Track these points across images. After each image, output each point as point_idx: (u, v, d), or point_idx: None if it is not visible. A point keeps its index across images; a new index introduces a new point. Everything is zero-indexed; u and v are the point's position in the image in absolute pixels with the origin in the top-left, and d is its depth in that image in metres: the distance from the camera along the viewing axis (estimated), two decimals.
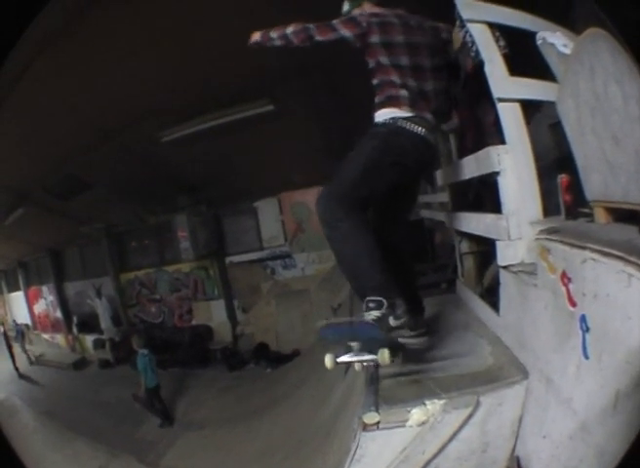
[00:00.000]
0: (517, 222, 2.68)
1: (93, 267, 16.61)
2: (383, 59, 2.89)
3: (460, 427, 2.35)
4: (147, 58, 7.69)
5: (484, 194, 3.91)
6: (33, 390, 13.56)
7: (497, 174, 2.76)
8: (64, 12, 6.32)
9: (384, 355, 2.40)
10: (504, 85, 2.69)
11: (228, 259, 14.56)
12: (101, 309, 15.50)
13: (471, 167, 3.31)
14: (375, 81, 2.96)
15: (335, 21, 2.94)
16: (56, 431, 9.67)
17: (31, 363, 16.67)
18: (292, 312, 13.05)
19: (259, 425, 7.91)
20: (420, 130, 2.82)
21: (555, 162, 3.09)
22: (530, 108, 2.82)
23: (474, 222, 3.42)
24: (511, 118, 2.68)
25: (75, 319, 16.77)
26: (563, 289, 2.05)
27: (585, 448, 1.83)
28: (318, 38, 2.87)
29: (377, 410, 2.32)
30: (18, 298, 20.39)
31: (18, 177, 11.34)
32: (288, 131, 10.27)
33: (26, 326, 19.55)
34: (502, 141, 2.73)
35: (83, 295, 16.72)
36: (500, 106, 2.69)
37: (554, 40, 2.51)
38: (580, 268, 1.89)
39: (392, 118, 2.83)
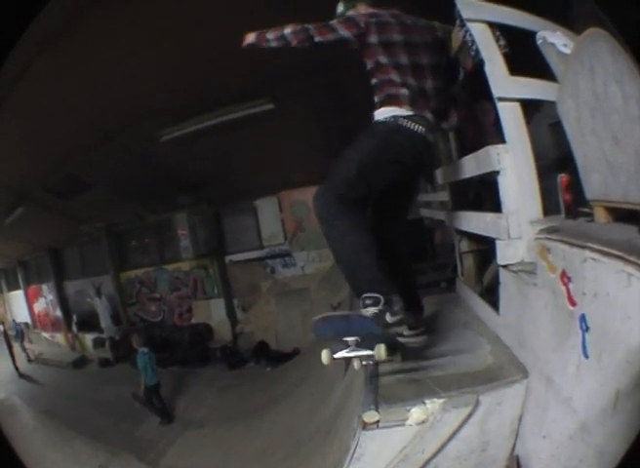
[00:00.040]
0: (517, 222, 2.68)
1: (93, 266, 16.63)
2: (383, 59, 2.90)
3: (460, 426, 2.35)
4: (147, 58, 7.70)
5: (484, 193, 3.91)
6: (33, 389, 13.56)
7: (497, 173, 2.75)
8: (64, 12, 6.33)
9: (381, 350, 2.40)
10: (504, 84, 2.69)
11: (228, 258, 14.55)
12: (101, 308, 15.51)
13: (471, 166, 3.31)
14: (373, 81, 2.96)
15: (333, 22, 2.94)
16: (56, 430, 9.66)
17: (30, 360, 16.68)
18: (291, 311, 13.05)
19: (258, 424, 7.91)
20: (419, 128, 2.83)
21: (555, 161, 3.09)
22: (530, 108, 2.82)
23: (474, 221, 3.42)
24: (511, 117, 2.68)
25: (75, 317, 16.79)
26: (563, 288, 2.05)
27: (585, 448, 1.83)
28: (318, 39, 2.85)
29: (376, 409, 2.32)
30: (17, 297, 20.41)
31: (18, 177, 11.36)
32: (288, 130, 10.27)
33: (26, 324, 19.56)
34: (502, 141, 2.72)
35: (83, 294, 16.73)
36: (500, 106, 2.69)
37: (554, 40, 2.51)
38: (580, 268, 1.89)
39: (393, 116, 2.84)
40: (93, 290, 16.12)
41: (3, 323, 18.97)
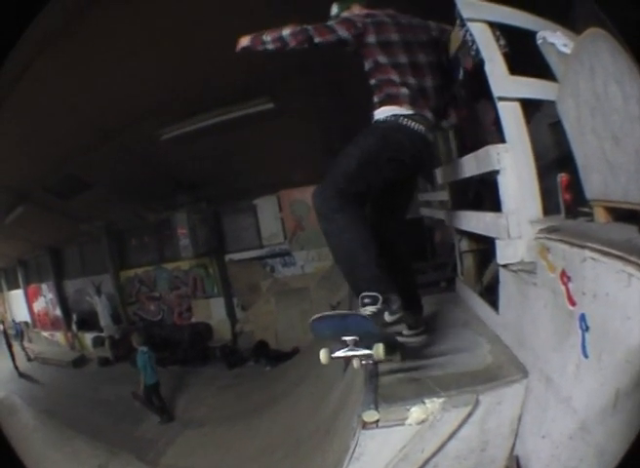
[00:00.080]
0: (517, 221, 2.68)
1: (92, 265, 16.63)
2: (382, 59, 2.91)
3: (460, 426, 2.35)
4: (147, 58, 7.70)
5: (484, 193, 3.91)
6: (33, 388, 13.55)
7: (496, 172, 2.75)
8: (64, 12, 6.33)
9: (379, 350, 2.39)
10: (505, 84, 2.69)
11: (228, 257, 14.58)
12: (101, 307, 15.51)
13: (471, 165, 3.31)
14: (372, 81, 2.97)
15: (331, 23, 2.94)
16: (55, 429, 9.67)
17: (30, 360, 16.67)
18: (291, 310, 13.06)
19: (258, 423, 7.92)
20: (419, 127, 2.85)
21: (555, 161, 3.09)
22: (530, 107, 2.82)
23: (474, 221, 3.42)
24: (511, 117, 2.68)
25: (75, 317, 16.78)
26: (562, 288, 2.06)
27: (585, 448, 1.83)
28: (318, 40, 2.84)
29: (376, 409, 2.32)
30: (17, 296, 20.39)
31: (18, 177, 11.35)
32: (288, 129, 10.28)
33: (26, 324, 19.55)
34: (502, 140, 2.72)
35: (82, 293, 16.73)
36: (500, 105, 2.68)
37: (554, 39, 2.51)
38: (580, 267, 1.89)
39: (393, 115, 2.85)
40: (92, 289, 16.13)
41: (3, 322, 18.93)
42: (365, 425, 2.34)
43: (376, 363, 2.63)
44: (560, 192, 2.51)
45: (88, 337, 15.91)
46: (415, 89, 2.90)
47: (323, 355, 2.47)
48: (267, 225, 14.10)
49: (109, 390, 11.57)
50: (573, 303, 1.98)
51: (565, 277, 2.04)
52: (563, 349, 2.05)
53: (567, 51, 2.38)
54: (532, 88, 2.69)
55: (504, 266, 2.82)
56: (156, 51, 7.50)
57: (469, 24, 2.82)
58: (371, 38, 2.89)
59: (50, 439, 9.20)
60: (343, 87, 8.43)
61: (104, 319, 15.38)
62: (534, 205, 2.67)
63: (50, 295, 18.45)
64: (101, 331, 15.36)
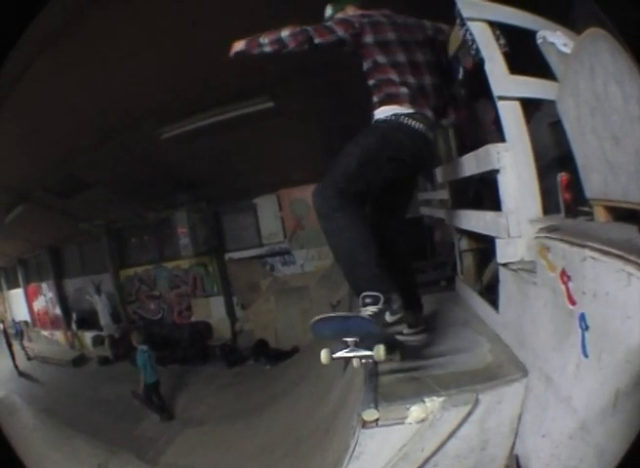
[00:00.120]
0: (517, 220, 2.68)
1: (92, 264, 16.62)
2: (381, 58, 2.91)
3: (460, 425, 2.35)
4: (147, 58, 7.68)
5: (484, 192, 3.92)
6: (33, 388, 13.55)
7: (496, 171, 2.76)
8: (64, 12, 6.31)
9: (380, 351, 2.39)
10: (505, 83, 2.69)
11: (228, 256, 14.57)
12: (101, 306, 15.51)
13: (471, 164, 3.31)
14: (371, 81, 2.98)
15: (329, 23, 2.94)
16: (55, 428, 9.66)
17: (29, 358, 16.67)
18: (291, 309, 13.06)
19: (258, 422, 7.93)
20: (419, 126, 2.85)
21: (555, 160, 3.09)
22: (530, 107, 2.82)
23: (474, 220, 3.43)
24: (511, 116, 2.68)
25: (74, 316, 16.78)
26: (562, 287, 2.06)
27: (585, 448, 1.83)
28: (318, 40, 2.83)
29: (376, 408, 2.33)
30: (17, 295, 20.39)
31: (18, 177, 11.35)
32: (288, 128, 10.28)
33: (25, 323, 19.55)
34: (502, 139, 2.73)
35: (82, 292, 16.73)
36: (500, 104, 2.69)
37: (554, 39, 2.52)
38: (580, 267, 1.90)
39: (394, 114, 2.85)
40: (92, 287, 16.13)
41: (3, 321, 18.95)
42: (365, 424, 2.34)
43: (375, 362, 2.63)
44: (560, 191, 2.51)
45: (88, 336, 15.91)
46: (414, 88, 2.91)
47: (324, 355, 2.47)
48: (267, 224, 14.10)
49: (109, 389, 11.58)
50: (573, 303, 1.98)
51: (565, 276, 2.04)
52: (563, 348, 2.05)
53: (567, 50, 2.38)
54: (532, 87, 2.70)
55: (504, 265, 2.82)
56: (156, 51, 7.49)
57: (469, 24, 2.82)
58: (368, 38, 2.89)
59: (49, 438, 9.19)
60: (343, 87, 8.42)
61: (104, 318, 15.38)
62: (534, 204, 2.68)
63: (50, 294, 18.45)
64: (101, 329, 15.36)
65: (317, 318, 2.45)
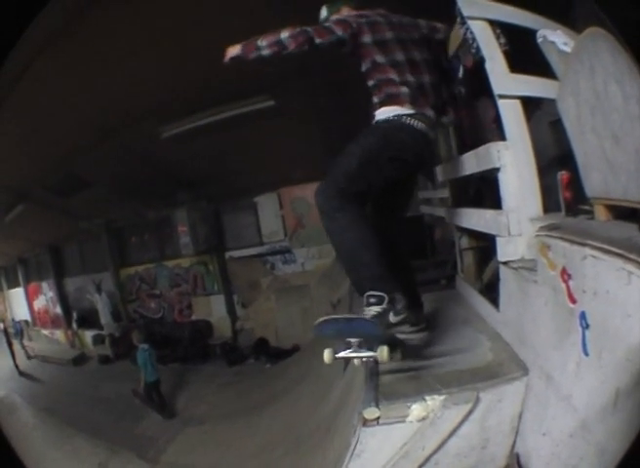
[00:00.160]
0: (517, 219, 2.69)
1: (92, 263, 16.60)
2: (379, 58, 2.91)
3: (460, 423, 2.36)
4: (147, 58, 7.67)
5: (484, 190, 3.92)
6: (33, 387, 13.53)
7: (497, 170, 2.76)
8: (64, 12, 6.30)
9: (383, 352, 2.40)
10: (505, 82, 2.70)
11: (228, 254, 14.57)
12: (101, 305, 15.49)
13: (472, 163, 3.31)
14: (371, 82, 2.97)
15: (328, 24, 2.94)
16: (55, 427, 9.64)
17: (29, 357, 16.66)
18: (291, 307, 13.04)
19: (258, 421, 7.93)
20: (421, 126, 2.85)
21: (555, 159, 3.09)
22: (530, 106, 2.82)
23: (474, 218, 3.43)
24: (512, 115, 2.68)
25: (75, 314, 16.74)
26: (563, 285, 2.06)
27: (586, 446, 1.84)
28: (318, 41, 2.81)
29: (377, 406, 2.33)
30: (17, 295, 20.37)
31: (18, 177, 11.33)
32: (288, 127, 10.27)
33: (26, 322, 19.54)
34: (503, 138, 2.73)
35: (83, 291, 16.70)
36: (500, 103, 2.69)
37: (555, 38, 2.52)
38: (581, 265, 1.90)
39: (396, 115, 2.85)
40: (93, 286, 16.10)
41: (3, 320, 18.93)
42: (366, 422, 2.34)
43: (376, 361, 2.63)
44: (560, 190, 2.52)
45: (88, 335, 15.88)
46: (414, 87, 2.90)
47: (327, 355, 2.47)
48: (268, 223, 14.10)
49: (110, 388, 11.56)
50: (573, 301, 1.99)
51: (565, 275, 2.04)
52: (563, 347, 2.05)
53: (567, 49, 2.38)
54: (532, 86, 2.70)
55: (505, 264, 2.83)
56: (156, 51, 7.48)
57: (470, 22, 2.83)
58: (366, 38, 2.89)
59: (50, 437, 9.19)
60: (343, 87, 8.41)
61: (105, 317, 15.36)
62: (534, 202, 2.68)
63: (50, 294, 18.42)
64: (102, 328, 15.34)
65: (322, 319, 2.45)
